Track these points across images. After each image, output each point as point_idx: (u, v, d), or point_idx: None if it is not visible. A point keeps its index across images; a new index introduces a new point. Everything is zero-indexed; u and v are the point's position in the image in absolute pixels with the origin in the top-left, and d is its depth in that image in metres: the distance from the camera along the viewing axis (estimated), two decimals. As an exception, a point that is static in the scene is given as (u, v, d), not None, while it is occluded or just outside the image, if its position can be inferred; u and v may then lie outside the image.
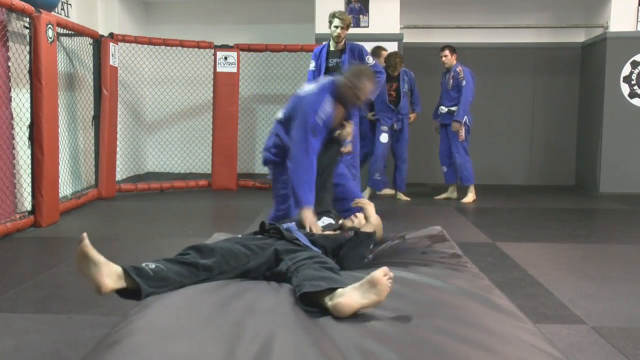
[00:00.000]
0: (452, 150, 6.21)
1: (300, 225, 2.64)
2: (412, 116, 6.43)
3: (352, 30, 6.96)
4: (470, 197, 6.23)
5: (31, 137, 4.69)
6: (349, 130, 3.27)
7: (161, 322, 1.72)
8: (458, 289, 2.14)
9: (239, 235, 2.45)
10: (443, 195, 6.40)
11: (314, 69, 5.18)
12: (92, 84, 6.23)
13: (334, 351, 1.57)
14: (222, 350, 1.55)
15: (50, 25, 4.74)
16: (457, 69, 6.15)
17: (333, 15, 5.03)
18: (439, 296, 2.04)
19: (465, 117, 6.12)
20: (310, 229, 2.66)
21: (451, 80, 6.17)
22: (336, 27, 4.99)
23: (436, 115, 6.48)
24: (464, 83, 6.08)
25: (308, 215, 2.76)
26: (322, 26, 6.41)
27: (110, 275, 1.84)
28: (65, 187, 5.64)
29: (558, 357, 1.58)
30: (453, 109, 6.14)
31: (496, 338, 1.67)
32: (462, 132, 6.12)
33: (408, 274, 2.30)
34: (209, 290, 2.01)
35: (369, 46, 6.59)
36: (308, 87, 3.17)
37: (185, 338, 1.62)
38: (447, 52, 6.20)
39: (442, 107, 6.28)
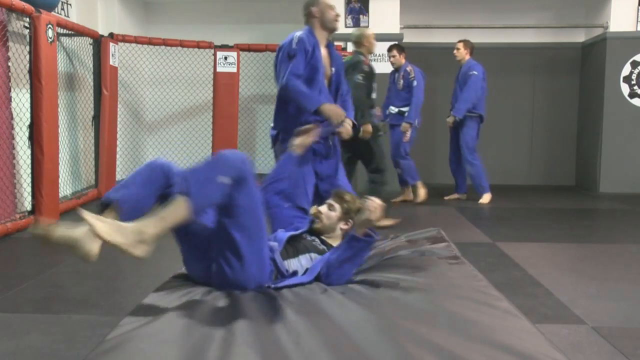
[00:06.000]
0: (391, 151, 6.00)
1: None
2: None
3: (352, 30, 6.96)
4: (422, 194, 6.04)
5: (31, 137, 4.69)
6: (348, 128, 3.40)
7: (159, 328, 1.72)
8: (456, 291, 2.14)
9: None
10: (399, 198, 6.21)
11: None
12: (92, 84, 6.23)
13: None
14: (218, 357, 1.55)
15: (50, 25, 4.74)
16: (407, 69, 5.98)
17: None
18: (437, 298, 2.05)
19: (416, 118, 5.96)
20: None
21: (401, 80, 6.00)
22: None
23: (385, 116, 6.29)
24: (414, 83, 5.89)
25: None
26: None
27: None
28: (65, 187, 5.64)
29: (558, 357, 1.58)
30: (404, 109, 5.97)
31: (496, 339, 1.67)
32: (408, 134, 5.94)
33: (406, 276, 2.30)
34: (209, 299, 2.01)
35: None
36: None
37: (183, 345, 1.61)
38: (394, 52, 6.03)
39: (392, 108, 6.07)
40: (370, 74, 4.74)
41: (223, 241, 2.08)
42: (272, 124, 3.57)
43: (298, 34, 3.43)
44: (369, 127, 4.51)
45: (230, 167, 1.98)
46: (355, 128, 3.62)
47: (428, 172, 7.60)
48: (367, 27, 6.90)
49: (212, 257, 2.12)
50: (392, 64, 6.10)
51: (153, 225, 1.84)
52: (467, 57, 6.20)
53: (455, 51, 6.20)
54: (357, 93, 4.44)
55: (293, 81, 3.27)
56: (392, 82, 6.20)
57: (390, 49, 6.09)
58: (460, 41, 6.22)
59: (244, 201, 2.02)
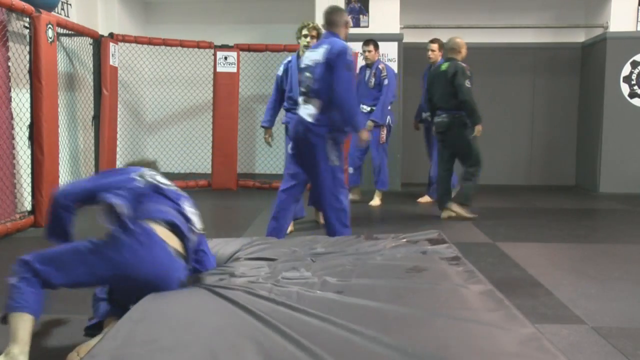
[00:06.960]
0: (372, 152, 5.86)
1: None
2: None
3: (352, 30, 6.96)
4: (377, 200, 5.93)
5: (31, 137, 4.69)
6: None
7: (158, 334, 1.71)
8: (456, 291, 2.14)
9: None
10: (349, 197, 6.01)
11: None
12: (92, 84, 6.23)
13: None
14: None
15: (50, 25, 4.74)
16: (380, 67, 5.77)
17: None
18: (437, 298, 2.04)
19: (388, 117, 5.79)
20: None
21: (373, 79, 5.78)
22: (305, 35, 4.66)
23: None
24: (385, 82, 5.69)
25: None
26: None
27: None
28: (65, 187, 5.63)
29: (558, 357, 1.58)
30: (375, 108, 5.77)
31: (495, 339, 1.67)
32: (384, 134, 5.78)
33: (406, 275, 2.30)
34: (210, 303, 2.00)
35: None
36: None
37: (181, 351, 1.61)
38: (371, 47, 5.79)
39: (364, 107, 5.72)
40: (472, 79, 5.19)
41: (107, 279, 2.12)
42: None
43: (344, 44, 3.47)
44: (481, 127, 5.06)
45: (16, 271, 2.10)
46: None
47: (424, 171, 7.60)
48: (368, 26, 6.91)
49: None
50: (366, 58, 5.86)
51: (15, 347, 1.90)
52: (440, 58, 5.85)
53: (430, 53, 5.88)
54: (469, 97, 4.97)
55: (353, 98, 3.47)
56: (362, 80, 5.89)
57: (367, 43, 5.83)
58: (433, 42, 5.90)
59: (58, 277, 2.12)
